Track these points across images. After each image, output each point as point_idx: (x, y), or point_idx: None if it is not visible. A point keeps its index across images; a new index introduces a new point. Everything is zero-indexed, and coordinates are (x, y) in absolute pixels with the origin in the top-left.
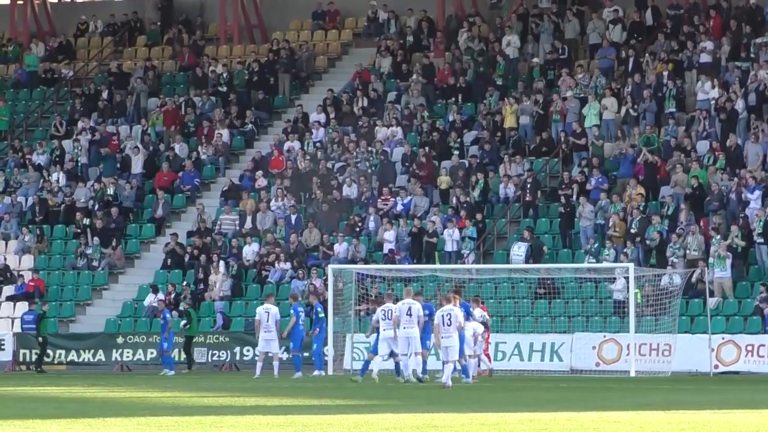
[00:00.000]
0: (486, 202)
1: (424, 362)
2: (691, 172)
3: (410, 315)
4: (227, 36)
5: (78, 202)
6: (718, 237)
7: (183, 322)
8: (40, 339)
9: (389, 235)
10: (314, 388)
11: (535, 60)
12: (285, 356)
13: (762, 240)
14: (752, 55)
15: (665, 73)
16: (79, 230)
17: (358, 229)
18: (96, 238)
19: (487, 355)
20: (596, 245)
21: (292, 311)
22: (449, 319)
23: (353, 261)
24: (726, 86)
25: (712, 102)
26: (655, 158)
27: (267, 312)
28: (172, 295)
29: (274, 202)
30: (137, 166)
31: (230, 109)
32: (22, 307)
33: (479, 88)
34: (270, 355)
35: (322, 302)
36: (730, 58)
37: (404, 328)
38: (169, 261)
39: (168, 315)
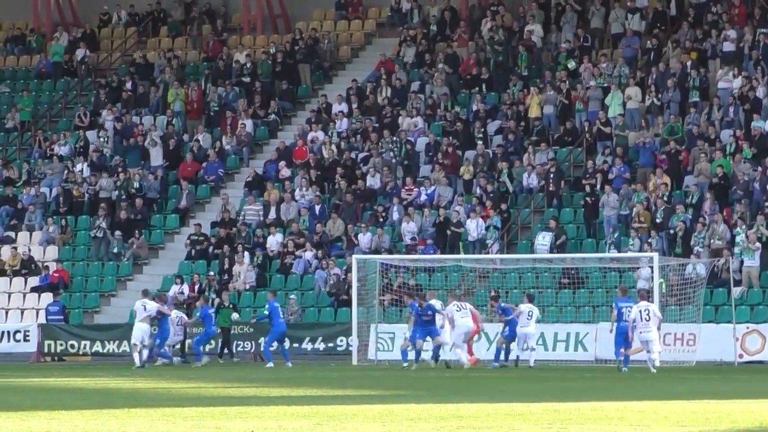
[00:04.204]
0: (510, 191)
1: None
2: (715, 162)
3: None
4: (250, 26)
5: (102, 193)
6: (744, 227)
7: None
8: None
9: (411, 226)
10: (338, 378)
11: (564, 45)
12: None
13: None
14: None
15: (689, 63)
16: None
17: (381, 220)
18: (114, 229)
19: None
20: (616, 234)
21: (267, 306)
22: (647, 315)
23: (377, 251)
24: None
25: (735, 90)
26: (676, 147)
27: (144, 305)
28: (197, 286)
29: (298, 192)
30: (157, 157)
31: (254, 99)
32: (47, 298)
33: (503, 77)
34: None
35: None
36: (753, 46)
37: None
38: (193, 251)
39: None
